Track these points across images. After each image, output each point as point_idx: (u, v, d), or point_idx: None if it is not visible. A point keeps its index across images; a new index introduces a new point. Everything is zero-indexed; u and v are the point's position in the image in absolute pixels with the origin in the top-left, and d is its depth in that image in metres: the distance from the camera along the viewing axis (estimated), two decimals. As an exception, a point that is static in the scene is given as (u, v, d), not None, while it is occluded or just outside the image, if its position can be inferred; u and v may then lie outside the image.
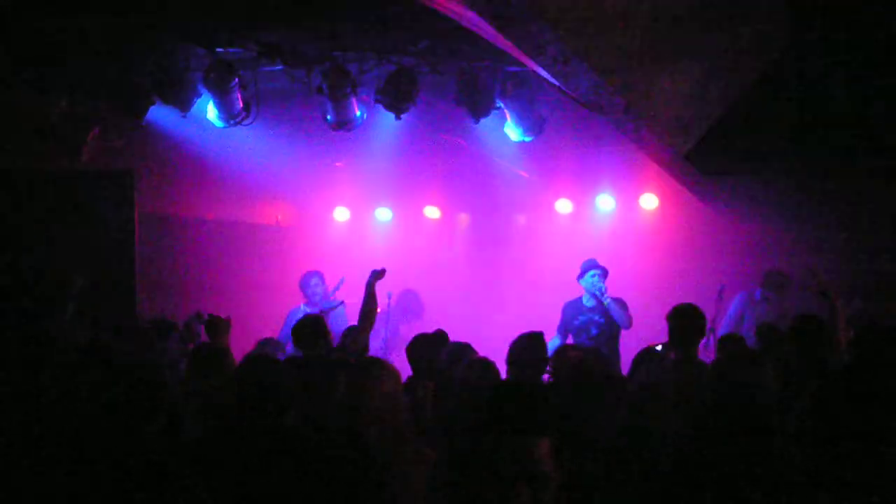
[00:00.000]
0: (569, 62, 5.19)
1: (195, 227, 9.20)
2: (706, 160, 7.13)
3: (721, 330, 7.46)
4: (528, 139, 7.60)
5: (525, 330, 5.42)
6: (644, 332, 7.47)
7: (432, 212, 11.24)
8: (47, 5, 6.00)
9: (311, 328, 5.62)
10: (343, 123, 7.50)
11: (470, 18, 5.17)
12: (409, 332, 8.81)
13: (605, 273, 7.76)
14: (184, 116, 7.48)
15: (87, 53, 6.81)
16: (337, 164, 10.01)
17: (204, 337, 5.94)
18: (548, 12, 4.57)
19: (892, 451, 2.87)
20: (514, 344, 5.31)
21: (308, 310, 8.42)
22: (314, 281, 8.53)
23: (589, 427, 3.58)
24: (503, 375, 5.00)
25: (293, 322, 8.39)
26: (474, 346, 5.42)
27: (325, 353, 5.50)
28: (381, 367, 3.91)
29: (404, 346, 5.58)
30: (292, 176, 9.77)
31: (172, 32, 6.87)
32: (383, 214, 11.36)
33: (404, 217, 11.35)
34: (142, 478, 2.62)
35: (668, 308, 5.36)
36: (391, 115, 7.26)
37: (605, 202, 10.39)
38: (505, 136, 7.68)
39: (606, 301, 7.57)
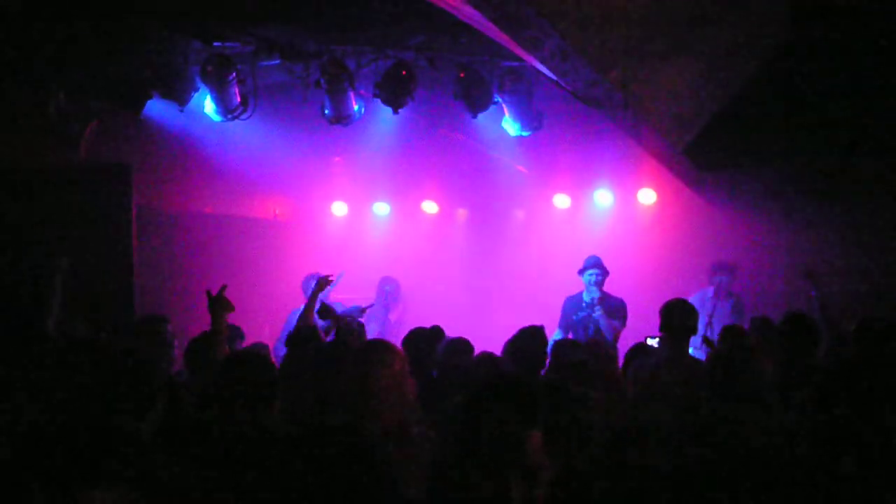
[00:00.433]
0: (567, 58, 5.19)
1: (192, 221, 9.18)
2: (704, 155, 7.14)
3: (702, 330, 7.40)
4: (526, 134, 7.60)
5: (522, 324, 5.43)
6: (641, 327, 7.48)
7: (430, 206, 11.23)
8: (46, 1, 6.00)
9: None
10: (341, 118, 7.50)
11: (468, 13, 5.16)
12: (397, 322, 8.85)
13: (604, 273, 7.68)
14: (181, 110, 7.47)
15: (85, 48, 6.79)
16: (335, 158, 10.01)
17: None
18: (546, 8, 4.57)
19: (893, 447, 2.87)
20: (514, 338, 5.32)
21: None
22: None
23: (583, 422, 3.59)
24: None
25: (293, 321, 8.43)
26: (473, 340, 5.42)
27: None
28: (387, 348, 3.98)
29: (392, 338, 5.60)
30: (290, 170, 9.76)
31: (170, 26, 6.86)
32: (381, 209, 11.35)
33: (402, 212, 11.34)
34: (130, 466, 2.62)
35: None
36: (389, 110, 7.26)
37: (603, 197, 10.38)
38: (503, 130, 7.68)
39: (595, 314, 7.52)
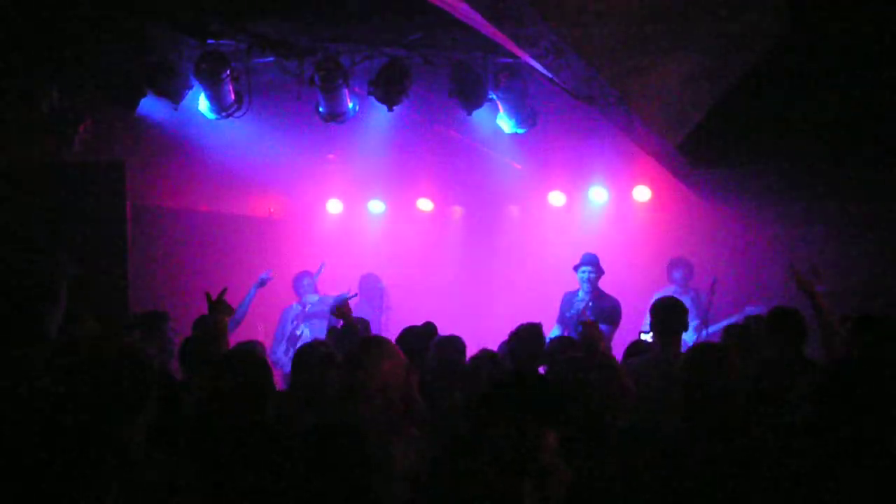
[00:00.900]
0: (562, 54, 5.16)
1: (187, 218, 9.18)
2: (699, 152, 7.13)
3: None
4: (520, 131, 7.59)
5: (518, 321, 5.42)
6: (637, 323, 7.49)
7: (425, 204, 11.23)
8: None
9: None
10: (335, 115, 7.48)
11: (463, 10, 5.14)
12: (387, 321, 8.86)
13: (598, 271, 7.63)
14: (175, 108, 7.45)
15: (78, 45, 6.77)
16: (329, 156, 9.99)
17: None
18: (541, 4, 4.55)
19: (893, 446, 2.86)
20: (512, 335, 5.31)
21: (301, 309, 8.46)
22: (306, 281, 8.64)
23: (595, 422, 3.58)
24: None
25: (286, 320, 8.47)
26: (468, 337, 5.40)
27: None
28: (381, 343, 3.96)
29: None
30: (284, 168, 9.75)
31: (164, 23, 6.83)
32: (376, 207, 11.35)
33: (397, 209, 11.34)
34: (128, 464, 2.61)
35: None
36: (384, 107, 7.24)
37: (599, 194, 10.39)
38: (498, 127, 7.66)
39: (578, 329, 7.46)
